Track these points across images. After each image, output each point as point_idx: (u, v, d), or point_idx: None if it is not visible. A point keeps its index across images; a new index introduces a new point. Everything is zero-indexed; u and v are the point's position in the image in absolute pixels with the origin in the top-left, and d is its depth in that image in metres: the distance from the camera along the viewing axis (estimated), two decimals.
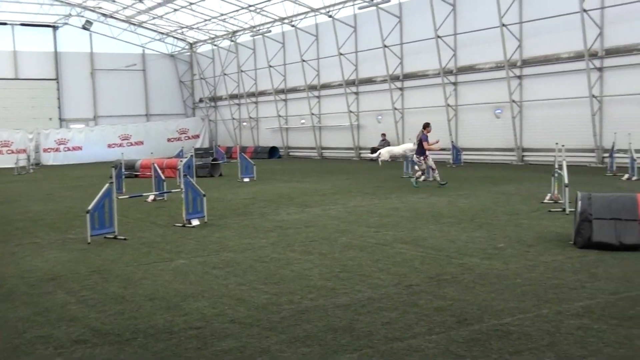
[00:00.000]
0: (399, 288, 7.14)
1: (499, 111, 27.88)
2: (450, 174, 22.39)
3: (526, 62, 26.76)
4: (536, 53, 26.26)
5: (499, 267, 7.98)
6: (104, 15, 43.70)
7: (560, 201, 13.33)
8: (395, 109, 32.67)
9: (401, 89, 32.69)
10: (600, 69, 24.16)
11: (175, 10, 40.28)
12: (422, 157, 18.24)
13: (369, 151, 33.49)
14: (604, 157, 23.52)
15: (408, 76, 32.25)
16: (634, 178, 18.35)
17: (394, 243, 9.85)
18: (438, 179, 18.21)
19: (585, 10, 23.56)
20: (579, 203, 9.06)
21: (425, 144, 18.12)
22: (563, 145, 13.96)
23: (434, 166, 18.49)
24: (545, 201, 13.91)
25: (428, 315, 6.06)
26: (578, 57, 24.47)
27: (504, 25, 26.44)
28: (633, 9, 22.66)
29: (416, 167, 18.46)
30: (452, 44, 29.49)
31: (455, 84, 29.87)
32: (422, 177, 18.44)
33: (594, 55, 24.09)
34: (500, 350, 5.06)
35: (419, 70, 31.53)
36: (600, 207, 8.88)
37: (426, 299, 6.62)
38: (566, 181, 12.48)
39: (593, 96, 24.07)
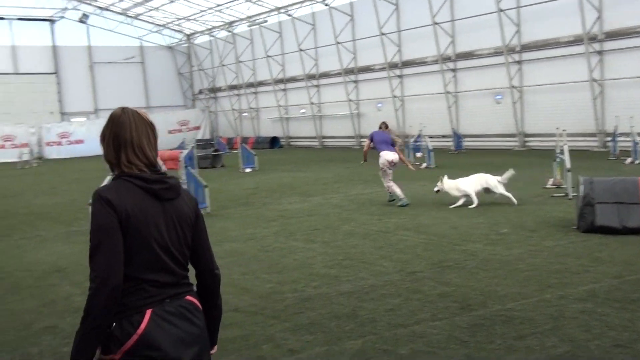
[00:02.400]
0: (402, 275, 7.14)
1: (499, 97, 27.81)
2: (451, 161, 22.37)
3: (525, 47, 26.65)
4: (535, 38, 26.14)
5: (502, 253, 7.97)
6: (100, 8, 43.54)
7: (562, 186, 13.31)
8: (395, 96, 32.59)
9: (400, 76, 32.60)
10: (600, 53, 24.06)
11: (172, 1, 40.14)
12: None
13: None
14: (606, 141, 23.46)
15: (407, 63, 32.14)
16: (637, 161, 18.31)
17: (396, 230, 9.85)
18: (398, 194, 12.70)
19: None
20: (582, 187, 9.04)
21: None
22: (564, 130, 13.92)
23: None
24: (548, 186, 13.89)
25: (431, 302, 6.07)
26: (577, 41, 24.36)
27: (501, 10, 26.32)
28: None
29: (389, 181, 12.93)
30: (450, 31, 29.37)
31: (454, 70, 29.77)
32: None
33: (593, 38, 23.98)
34: (504, 335, 5.07)
35: (418, 58, 31.42)
36: (602, 191, 8.86)
37: (429, 286, 6.63)
38: (568, 166, 12.46)
39: (593, 80, 23.99)
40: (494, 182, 11.80)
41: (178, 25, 46.62)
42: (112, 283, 2.33)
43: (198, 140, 33.35)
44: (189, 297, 2.54)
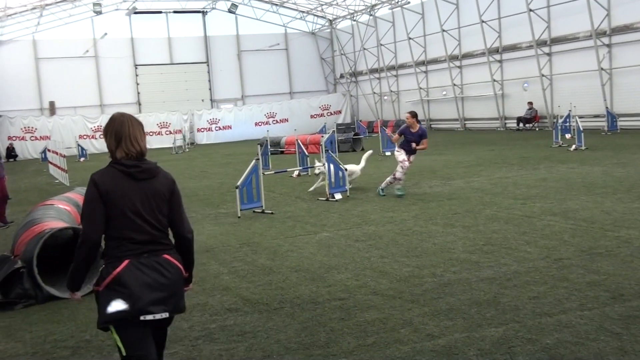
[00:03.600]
0: (547, 262, 6.85)
1: None
2: (605, 142, 20.99)
3: None
4: None
5: None
6: None
7: None
8: (543, 75, 31.02)
9: (549, 54, 30.94)
10: None
11: None
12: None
13: (515, 121, 32.21)
14: None
15: (556, 40, 30.42)
16: None
17: (542, 215, 9.44)
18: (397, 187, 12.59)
19: None
20: None
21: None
22: None
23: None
24: None
25: (579, 290, 5.78)
26: None
27: None
28: None
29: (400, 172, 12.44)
30: (604, 3, 27.38)
31: (609, 45, 27.75)
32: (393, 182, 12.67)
33: None
34: None
35: (568, 34, 29.62)
36: None
37: (577, 273, 6.31)
38: None
39: None
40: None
41: (321, 10, 47.36)
42: (90, 240, 3.38)
43: (339, 125, 33.86)
44: (165, 255, 3.48)
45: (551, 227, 8.55)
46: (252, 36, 47.27)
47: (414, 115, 12.60)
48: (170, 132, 40.95)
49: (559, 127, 21.89)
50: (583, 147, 18.97)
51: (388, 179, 12.74)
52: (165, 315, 3.43)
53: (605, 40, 27.79)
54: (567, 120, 22.50)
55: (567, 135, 21.75)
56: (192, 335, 5.43)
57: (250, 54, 47.56)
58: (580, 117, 21.61)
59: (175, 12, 45.36)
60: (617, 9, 27.05)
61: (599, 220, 8.81)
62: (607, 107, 27.04)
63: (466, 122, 37.47)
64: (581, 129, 19.50)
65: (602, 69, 27.79)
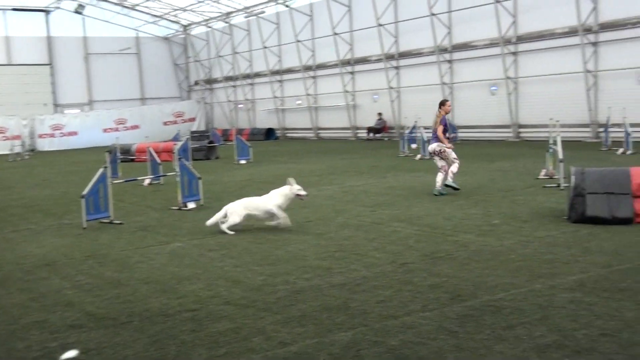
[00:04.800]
0: (394, 266, 7.17)
1: (494, 88, 27.81)
2: None
3: (521, 39, 26.62)
4: (531, 29, 26.13)
5: (493, 244, 8.01)
6: None
7: (555, 177, 13.35)
8: (391, 87, 32.56)
9: (397, 67, 32.55)
10: (594, 44, 24.06)
11: None
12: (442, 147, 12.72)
13: (366, 131, 33.47)
14: (599, 132, 23.49)
15: (403, 55, 32.09)
16: (629, 152, 18.36)
17: (389, 222, 9.88)
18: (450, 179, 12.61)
19: None
20: (573, 178, 9.08)
21: (440, 130, 12.77)
22: (558, 121, 13.95)
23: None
24: (540, 177, 13.94)
25: (422, 293, 6.10)
26: (572, 32, 24.36)
27: (498, 1, 26.28)
28: None
29: (439, 164, 12.69)
30: (446, 22, 29.32)
31: (450, 61, 29.74)
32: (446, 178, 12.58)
33: (588, 30, 23.97)
34: (493, 325, 5.11)
35: (414, 49, 31.37)
36: (593, 182, 8.90)
37: (421, 277, 6.66)
38: (561, 156, 12.50)
39: (588, 71, 24.00)
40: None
41: (175, 16, 46.43)
42: None
43: (193, 132, 33.35)
44: None
45: (398, 233, 8.97)
46: (101, 39, 45.32)
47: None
48: (7, 138, 38.06)
49: (406, 138, 23.06)
50: (427, 157, 20.09)
51: (449, 176, 12.32)
52: None
53: (448, 56, 29.72)
54: (413, 131, 23.76)
55: (413, 145, 22.98)
56: (30, 355, 5.06)
57: (98, 57, 45.56)
58: (425, 128, 22.90)
59: (14, 9, 42.40)
60: (457, 27, 29.05)
61: (440, 225, 9.38)
62: (448, 119, 28.83)
63: (319, 131, 38.38)
64: (425, 139, 20.65)
65: (444, 83, 29.68)
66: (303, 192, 9.83)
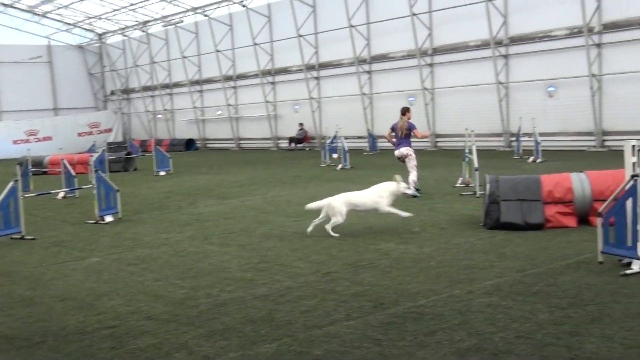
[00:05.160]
0: (317, 276, 7.20)
1: (411, 99, 28.51)
2: (368, 162, 22.75)
3: (436, 51, 27.45)
4: (446, 41, 26.99)
5: (414, 251, 8.18)
6: (4, 4, 41.52)
7: (471, 184, 13.80)
8: (312, 98, 32.81)
9: (317, 78, 32.85)
10: (505, 57, 25.11)
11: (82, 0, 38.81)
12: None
13: (287, 141, 33.54)
14: (511, 141, 24.51)
15: (323, 65, 32.43)
16: (539, 160, 19.23)
17: (312, 231, 9.90)
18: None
19: (489, 0, 24.39)
20: (488, 186, 9.41)
21: (417, 133, 13.86)
22: (472, 131, 14.44)
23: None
24: (458, 185, 14.37)
25: (346, 302, 6.14)
26: (484, 45, 25.33)
27: (414, 14, 27.01)
28: None
29: (411, 168, 13.41)
30: (365, 33, 29.87)
31: (369, 72, 30.29)
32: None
33: (499, 43, 25.00)
34: (415, 331, 5.20)
35: (334, 60, 31.77)
36: (507, 189, 9.25)
37: (344, 286, 6.71)
38: (476, 165, 12.93)
39: (499, 83, 25.01)
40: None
41: (89, 24, 45.12)
42: None
43: (109, 143, 32.47)
44: None
45: (321, 243, 9.01)
46: (10, 47, 43.43)
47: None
48: None
49: (327, 148, 23.27)
50: (348, 166, 20.37)
51: (414, 178, 13.06)
52: None
53: (367, 67, 30.26)
54: (334, 141, 24.01)
55: (334, 155, 23.21)
56: None
57: (6, 65, 43.65)
58: (346, 138, 23.22)
59: None
60: (375, 39, 29.65)
61: (363, 234, 9.49)
62: (368, 129, 29.37)
63: (241, 141, 38.19)
64: (346, 149, 20.93)
65: (363, 93, 30.17)
66: (409, 191, 10.19)
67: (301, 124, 33.30)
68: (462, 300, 5.97)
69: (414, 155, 13.44)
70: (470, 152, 13.59)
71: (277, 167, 22.66)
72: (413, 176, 13.13)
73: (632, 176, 6.54)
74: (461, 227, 9.64)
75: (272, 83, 35.53)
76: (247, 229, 10.52)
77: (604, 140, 22.69)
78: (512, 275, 6.77)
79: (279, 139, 35.50)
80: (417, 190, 12.89)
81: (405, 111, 13.80)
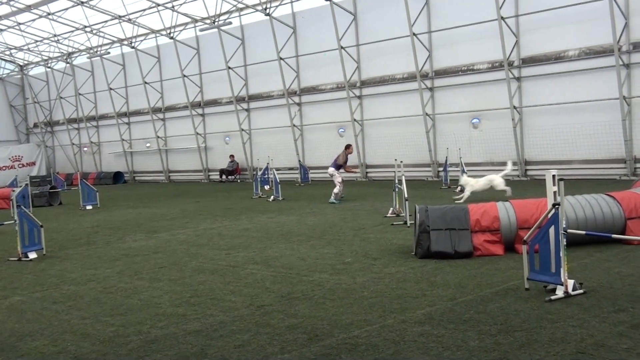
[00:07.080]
0: (251, 309, 7.13)
1: (342, 130, 28.92)
2: (298, 193, 22.82)
3: (365, 83, 28.03)
4: (373, 74, 27.62)
5: (347, 282, 8.23)
6: None
7: (401, 214, 14.04)
8: (243, 130, 32.78)
9: (247, 110, 32.89)
10: (431, 89, 25.89)
11: (2, 30, 37.65)
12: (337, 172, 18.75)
13: (218, 173, 33.27)
14: (439, 171, 25.16)
15: (253, 97, 32.54)
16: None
17: (245, 264, 9.83)
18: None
19: (415, 34, 25.19)
20: (418, 215, 9.61)
21: (347, 167, 19.01)
22: (402, 161, 14.75)
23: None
24: (388, 215, 14.59)
25: (280, 335, 6.11)
26: (411, 77, 26.07)
27: (342, 47, 27.55)
28: (456, 33, 24.57)
29: (337, 183, 18.61)
30: (294, 66, 30.21)
31: (299, 104, 30.57)
32: (339, 193, 18.79)
33: (425, 76, 25.78)
34: None
35: (264, 92, 31.94)
36: (436, 219, 9.47)
37: (278, 318, 6.67)
38: (406, 195, 13.19)
39: (426, 114, 25.72)
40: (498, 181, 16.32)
41: (10, 55, 43.74)
42: None
43: (32, 177, 31.39)
44: None
45: (254, 276, 8.94)
46: None
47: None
48: None
49: (259, 179, 23.24)
50: (280, 198, 20.37)
51: (332, 195, 18.56)
52: None
53: (297, 99, 30.54)
54: (266, 172, 24.01)
55: (266, 187, 23.19)
56: None
57: None
58: (277, 169, 23.27)
59: None
60: (305, 72, 30.02)
61: (295, 266, 9.48)
62: (299, 160, 29.53)
63: (171, 174, 37.64)
64: (278, 180, 20.95)
65: (294, 125, 30.38)
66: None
67: (232, 156, 33.17)
68: (396, 329, 6.03)
69: (336, 176, 18.54)
70: (400, 182, 13.87)
71: (209, 200, 22.42)
72: (336, 189, 18.54)
73: (554, 205, 6.83)
74: (393, 256, 9.77)
75: (202, 115, 35.32)
76: (178, 262, 10.33)
77: (526, 170, 23.62)
78: (443, 303, 6.91)
79: (209, 171, 35.20)
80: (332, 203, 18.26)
81: (348, 147, 18.89)
